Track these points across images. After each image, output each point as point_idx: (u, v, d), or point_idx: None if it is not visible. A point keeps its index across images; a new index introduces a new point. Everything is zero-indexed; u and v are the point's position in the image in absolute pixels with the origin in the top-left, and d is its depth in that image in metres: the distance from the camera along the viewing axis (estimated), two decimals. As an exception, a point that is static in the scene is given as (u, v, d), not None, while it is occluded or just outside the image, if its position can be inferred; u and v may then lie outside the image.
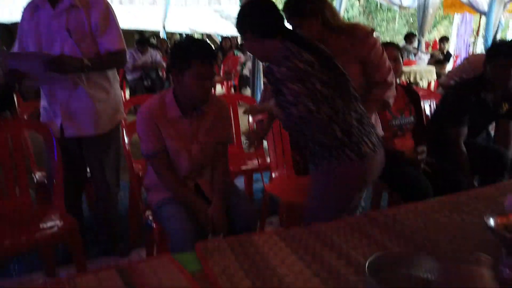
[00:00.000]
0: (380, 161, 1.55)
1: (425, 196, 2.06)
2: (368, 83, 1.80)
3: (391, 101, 1.87)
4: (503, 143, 2.50)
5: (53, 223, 1.81)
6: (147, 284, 0.92)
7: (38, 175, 2.41)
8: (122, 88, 6.21)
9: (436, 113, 2.62)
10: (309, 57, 1.37)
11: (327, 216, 1.43)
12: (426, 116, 2.64)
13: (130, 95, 6.56)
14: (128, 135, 2.05)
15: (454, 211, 1.37)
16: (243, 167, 2.66)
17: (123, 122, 2.27)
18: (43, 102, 2.11)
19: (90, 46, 1.95)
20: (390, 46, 2.27)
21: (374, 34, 1.80)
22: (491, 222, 1.00)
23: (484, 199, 1.47)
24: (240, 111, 2.81)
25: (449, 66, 8.17)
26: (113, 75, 2.14)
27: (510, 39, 2.74)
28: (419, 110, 2.42)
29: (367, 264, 0.82)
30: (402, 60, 2.30)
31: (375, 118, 1.88)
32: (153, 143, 1.61)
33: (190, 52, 1.55)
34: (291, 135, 2.21)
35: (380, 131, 1.91)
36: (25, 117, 2.50)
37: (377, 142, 1.52)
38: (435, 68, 7.22)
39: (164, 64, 6.56)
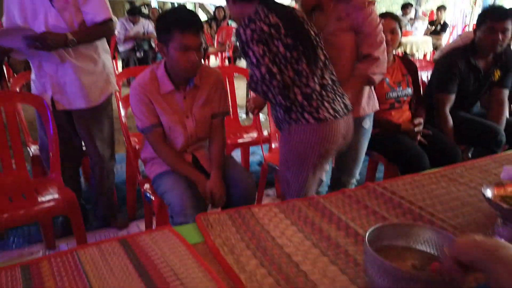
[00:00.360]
0: (344, 130, 1.54)
1: (421, 167, 2.09)
2: (357, 56, 1.76)
3: (378, 78, 1.75)
4: (496, 113, 2.49)
5: (51, 196, 1.81)
6: (149, 255, 0.93)
7: (33, 149, 2.39)
8: (114, 59, 6.09)
9: (428, 83, 2.61)
10: (275, 20, 1.39)
11: (293, 183, 1.47)
12: (424, 87, 2.63)
13: (123, 67, 6.45)
14: (124, 108, 2.03)
15: (451, 182, 1.39)
16: (240, 140, 2.66)
17: (117, 94, 2.23)
18: (32, 75, 2.08)
19: (75, 16, 1.91)
20: (387, 16, 2.22)
21: (372, 6, 1.75)
22: (488, 193, 1.01)
23: (480, 171, 1.49)
24: (236, 83, 2.78)
25: (445, 37, 8.09)
26: (102, 45, 2.09)
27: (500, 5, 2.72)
28: (416, 81, 2.40)
29: (367, 235, 0.83)
30: (401, 31, 2.26)
31: (368, 92, 1.84)
32: (147, 118, 1.60)
33: (171, 22, 1.51)
34: None
35: (376, 104, 1.89)
36: (17, 89, 2.45)
37: (341, 110, 1.51)
38: (432, 39, 7.15)
39: None
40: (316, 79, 1.46)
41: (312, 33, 1.50)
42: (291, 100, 1.45)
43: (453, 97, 2.39)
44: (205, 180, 1.60)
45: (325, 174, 1.82)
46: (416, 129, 2.24)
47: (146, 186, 1.81)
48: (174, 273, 0.87)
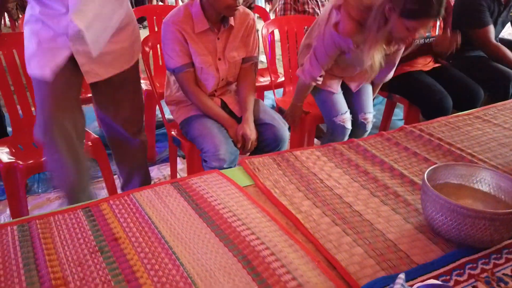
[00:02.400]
0: None
1: (445, 109, 2.08)
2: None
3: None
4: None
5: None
6: (205, 197, 0.95)
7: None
8: None
9: (456, 18, 2.50)
10: None
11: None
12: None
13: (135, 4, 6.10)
14: (149, 47, 1.95)
15: (485, 124, 1.39)
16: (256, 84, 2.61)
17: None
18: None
19: None
20: None
21: None
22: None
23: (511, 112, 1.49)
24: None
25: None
26: None
27: None
28: (448, 23, 2.30)
29: (425, 175, 0.84)
30: None
31: None
32: (181, 58, 1.55)
33: None
34: None
35: None
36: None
37: None
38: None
39: None
40: None
41: None
42: None
43: (492, 28, 2.31)
44: (236, 124, 1.60)
45: (348, 122, 1.85)
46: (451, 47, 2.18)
47: (173, 129, 1.81)
48: (234, 214, 0.89)
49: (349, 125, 1.88)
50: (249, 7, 2.07)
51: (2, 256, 0.77)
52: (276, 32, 2.41)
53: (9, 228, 0.84)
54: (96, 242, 0.81)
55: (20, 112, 1.87)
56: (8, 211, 1.91)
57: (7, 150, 1.69)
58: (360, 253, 0.79)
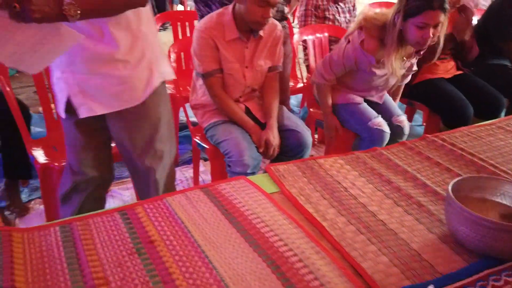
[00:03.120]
0: None
1: (466, 117, 2.09)
2: None
3: None
4: None
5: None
6: (234, 203, 0.99)
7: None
8: None
9: (480, 29, 2.50)
10: None
11: None
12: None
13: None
14: (175, 52, 2.01)
15: (508, 134, 1.40)
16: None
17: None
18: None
19: None
20: None
21: None
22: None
23: (537, 123, 1.49)
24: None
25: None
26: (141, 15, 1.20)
27: None
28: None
29: (450, 187, 0.86)
30: None
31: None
32: (211, 63, 1.61)
33: None
34: None
35: None
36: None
37: None
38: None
39: None
40: None
41: None
42: None
43: None
44: (260, 130, 1.64)
45: (385, 125, 1.86)
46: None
47: (196, 134, 1.86)
48: (262, 220, 0.93)
49: (387, 128, 1.87)
50: (283, 18, 2.14)
51: (47, 256, 0.82)
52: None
53: (52, 229, 0.90)
54: (133, 244, 0.86)
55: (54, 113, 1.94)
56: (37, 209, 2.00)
57: (42, 151, 1.76)
58: (385, 262, 0.82)
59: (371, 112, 1.91)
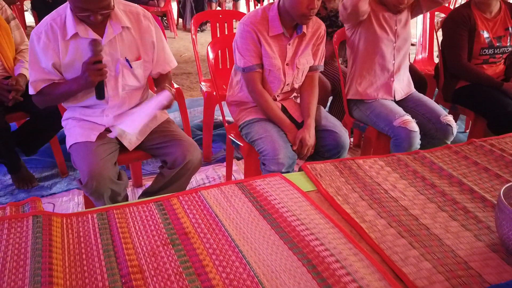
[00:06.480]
0: None
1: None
2: None
3: None
4: None
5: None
6: (269, 199, 0.97)
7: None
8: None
9: None
10: None
11: None
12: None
13: (178, 10, 6.27)
14: (213, 51, 2.01)
15: None
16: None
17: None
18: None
19: None
20: None
21: None
22: None
23: None
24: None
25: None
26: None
27: None
28: None
29: (502, 193, 0.81)
30: None
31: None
32: (253, 58, 1.60)
33: None
34: None
35: None
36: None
37: None
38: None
39: None
40: None
41: None
42: None
43: None
44: (296, 129, 1.61)
45: (411, 123, 1.77)
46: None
47: (231, 132, 1.85)
48: (297, 218, 0.91)
49: (414, 127, 1.74)
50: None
51: (84, 242, 0.83)
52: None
53: (89, 215, 0.91)
54: (167, 235, 0.85)
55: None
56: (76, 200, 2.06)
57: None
58: (428, 268, 0.77)
59: (398, 109, 1.83)
